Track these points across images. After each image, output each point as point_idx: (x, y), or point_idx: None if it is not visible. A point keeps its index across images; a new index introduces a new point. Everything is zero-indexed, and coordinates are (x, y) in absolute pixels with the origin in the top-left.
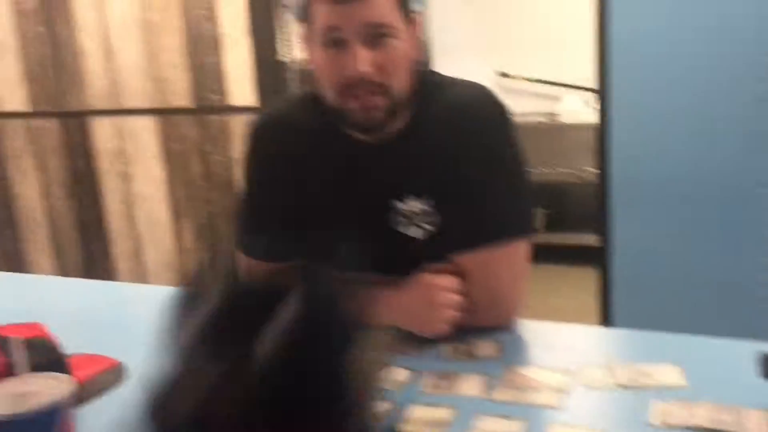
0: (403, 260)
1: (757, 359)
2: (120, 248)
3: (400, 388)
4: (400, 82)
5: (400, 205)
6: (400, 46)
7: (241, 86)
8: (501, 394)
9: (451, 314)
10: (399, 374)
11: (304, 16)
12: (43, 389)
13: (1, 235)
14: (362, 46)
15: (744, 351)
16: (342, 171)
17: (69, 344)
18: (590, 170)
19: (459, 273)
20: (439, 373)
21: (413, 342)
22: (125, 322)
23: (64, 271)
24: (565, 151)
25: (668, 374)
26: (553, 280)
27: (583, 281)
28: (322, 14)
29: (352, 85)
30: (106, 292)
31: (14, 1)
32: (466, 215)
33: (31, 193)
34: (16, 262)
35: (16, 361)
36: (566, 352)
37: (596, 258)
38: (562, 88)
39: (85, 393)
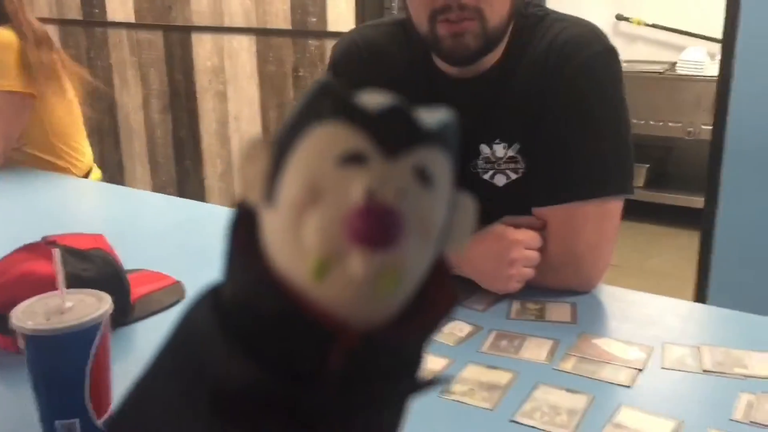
0: (483, 209)
1: None
2: (212, 167)
3: (459, 344)
4: (497, 9)
5: (486, 150)
6: None
7: (340, 10)
8: (568, 364)
9: (526, 272)
10: (460, 329)
11: None
12: (80, 306)
13: (102, 142)
14: None
15: None
16: (427, 106)
17: (134, 259)
18: (703, 127)
19: (540, 227)
20: (503, 333)
21: (480, 295)
22: (195, 242)
23: (158, 183)
24: (679, 105)
25: (763, 363)
26: (653, 240)
27: (684, 244)
28: None
29: (445, 9)
30: (184, 210)
31: None
32: (553, 165)
33: (132, 103)
34: (115, 170)
35: (57, 274)
36: (649, 325)
37: (699, 221)
38: (687, 38)
39: (141, 309)
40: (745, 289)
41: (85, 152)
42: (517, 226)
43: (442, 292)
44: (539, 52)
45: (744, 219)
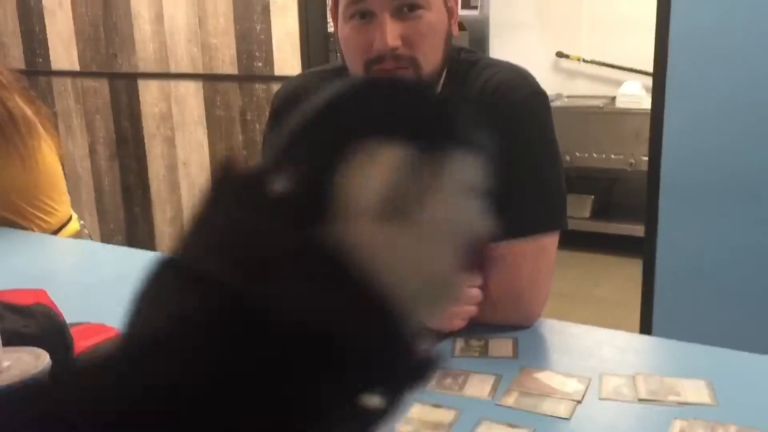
0: None
1: None
2: (161, 213)
3: None
4: (431, 57)
5: None
6: (433, 18)
7: (287, 55)
8: (510, 399)
9: (469, 309)
10: None
11: None
12: (18, 364)
13: None
14: (391, 18)
15: None
16: None
17: (79, 313)
18: (643, 158)
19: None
20: (447, 370)
21: (424, 334)
22: None
23: (106, 231)
24: (620, 137)
25: (697, 390)
26: (600, 269)
27: (630, 272)
28: None
29: (380, 59)
30: (131, 260)
31: None
32: (489, 205)
33: (78, 151)
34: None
35: None
36: (588, 357)
37: (642, 249)
38: (625, 72)
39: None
40: (687, 316)
41: (57, 208)
42: None
43: None
44: (472, 96)
45: (683, 247)
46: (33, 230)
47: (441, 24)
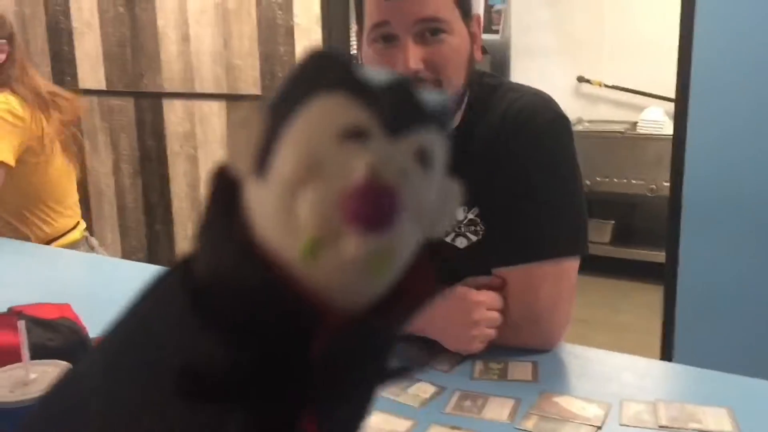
0: (444, 271)
1: None
2: (183, 231)
3: (423, 406)
4: (453, 81)
5: None
6: (455, 42)
7: None
8: (529, 423)
9: (488, 332)
10: (425, 390)
11: (359, 16)
12: (44, 377)
13: None
14: (413, 42)
15: None
16: None
17: (102, 328)
18: (665, 184)
19: (500, 288)
20: (466, 393)
21: (445, 356)
22: None
23: (128, 248)
24: (641, 163)
25: (718, 418)
26: (620, 295)
27: (650, 298)
28: (373, 10)
29: None
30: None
31: None
32: (511, 228)
33: (102, 168)
34: None
35: (21, 346)
36: (608, 382)
37: (663, 276)
38: (646, 98)
39: None
40: (708, 343)
41: (56, 219)
42: (478, 287)
43: (424, 278)
44: (495, 121)
45: (704, 273)
46: (29, 237)
47: (463, 48)
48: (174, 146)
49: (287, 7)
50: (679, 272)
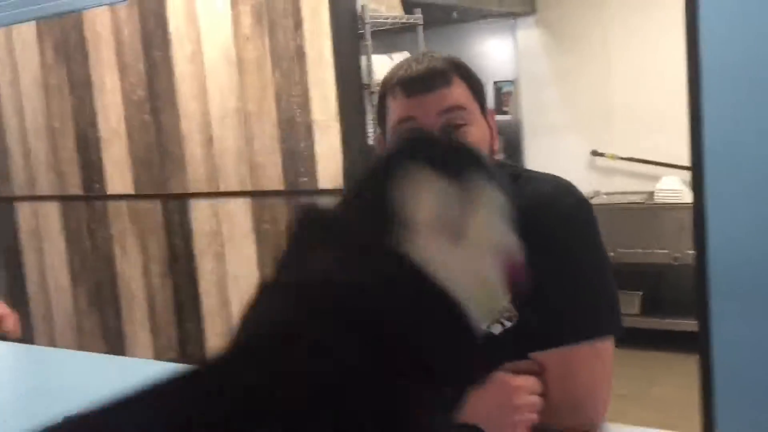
0: (484, 358)
1: None
2: (213, 328)
3: None
4: None
5: None
6: (477, 134)
7: (329, 169)
8: None
9: (530, 417)
10: None
11: (381, 118)
12: None
13: (103, 312)
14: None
15: None
16: None
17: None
18: (689, 252)
19: (538, 373)
20: None
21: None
22: None
23: (159, 348)
24: (663, 232)
25: None
26: (655, 367)
27: (687, 369)
28: (397, 107)
29: None
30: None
31: (125, 92)
32: (545, 312)
33: (132, 272)
34: (117, 339)
35: None
36: None
37: (697, 344)
38: (661, 167)
39: None
40: (751, 414)
41: None
42: (517, 372)
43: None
44: (518, 210)
45: (739, 342)
46: None
47: (483, 139)
48: (201, 245)
49: (305, 105)
50: (713, 342)
